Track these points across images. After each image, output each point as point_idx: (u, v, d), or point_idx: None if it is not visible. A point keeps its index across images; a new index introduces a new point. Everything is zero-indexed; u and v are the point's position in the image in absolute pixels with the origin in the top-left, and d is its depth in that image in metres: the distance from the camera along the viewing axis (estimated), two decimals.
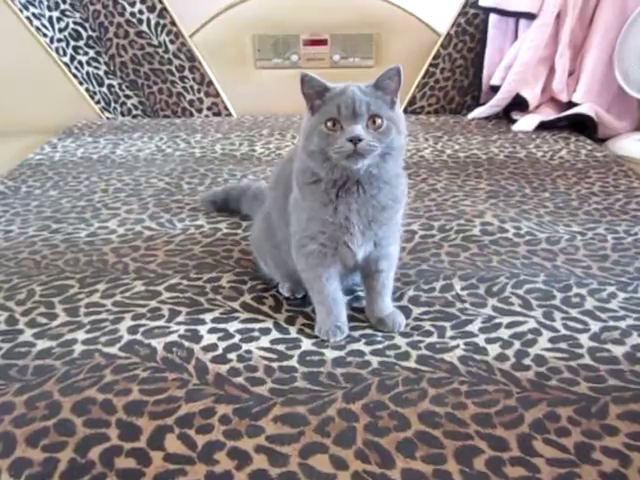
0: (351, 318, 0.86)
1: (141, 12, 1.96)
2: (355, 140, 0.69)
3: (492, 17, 1.95)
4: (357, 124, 0.70)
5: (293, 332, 0.84)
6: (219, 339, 0.81)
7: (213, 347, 0.80)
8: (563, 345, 0.80)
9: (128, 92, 2.06)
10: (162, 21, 1.98)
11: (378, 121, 0.71)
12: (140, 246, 1.10)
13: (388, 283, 0.85)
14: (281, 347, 0.80)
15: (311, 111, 0.74)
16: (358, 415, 0.67)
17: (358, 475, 0.60)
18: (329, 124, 0.71)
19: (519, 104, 1.92)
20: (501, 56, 1.96)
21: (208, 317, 0.87)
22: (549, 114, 1.90)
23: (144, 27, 1.98)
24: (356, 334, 0.83)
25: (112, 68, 2.03)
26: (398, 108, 0.76)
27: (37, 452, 0.62)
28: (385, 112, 0.72)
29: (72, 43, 2.00)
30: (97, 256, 1.06)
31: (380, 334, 0.83)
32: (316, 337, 0.82)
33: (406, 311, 0.88)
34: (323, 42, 2.06)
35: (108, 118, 2.07)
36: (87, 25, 1.99)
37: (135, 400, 0.69)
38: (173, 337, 0.82)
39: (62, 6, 1.96)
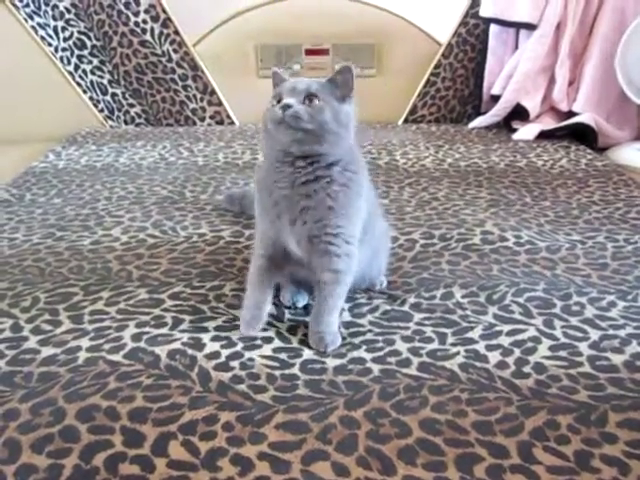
0: (350, 324, 0.87)
1: (145, 22, 1.98)
2: (285, 107, 0.74)
3: (493, 27, 1.97)
4: (292, 98, 0.76)
5: (295, 341, 0.84)
6: (222, 347, 0.82)
7: (216, 355, 0.80)
8: (563, 353, 0.81)
9: (131, 101, 2.08)
10: (166, 30, 2.00)
11: (314, 100, 0.76)
12: (144, 254, 1.11)
13: (331, 301, 0.82)
14: (283, 355, 0.81)
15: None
16: (360, 422, 0.68)
17: None
18: (274, 102, 0.78)
19: (519, 113, 1.94)
20: (502, 66, 1.98)
21: (211, 325, 0.87)
22: (549, 123, 1.92)
23: (148, 36, 2.00)
24: (356, 340, 0.84)
25: (116, 77, 2.05)
26: (348, 105, 0.79)
27: (42, 458, 0.63)
28: (326, 97, 0.76)
29: (76, 52, 2.02)
30: (101, 264, 1.07)
31: (381, 339, 0.84)
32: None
33: (407, 316, 0.89)
34: (325, 52, 2.08)
35: (112, 126, 2.08)
36: (91, 34, 2.01)
37: (139, 407, 0.70)
38: (176, 345, 0.82)
39: (67, 15, 1.98)
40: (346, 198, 0.79)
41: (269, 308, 0.87)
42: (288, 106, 0.74)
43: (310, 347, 0.82)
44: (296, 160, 0.78)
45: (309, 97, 0.75)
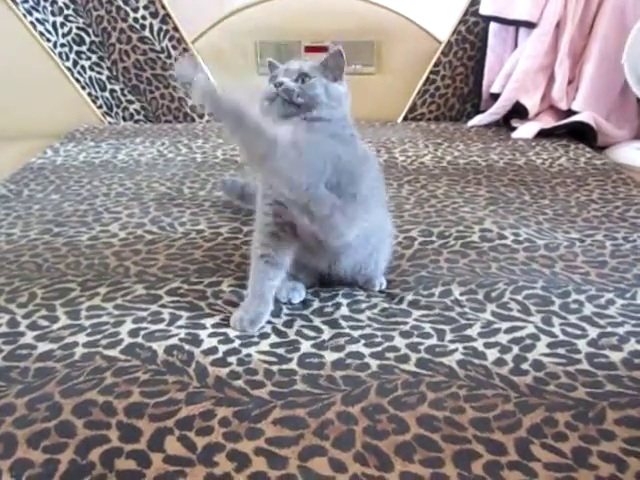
0: (348, 319, 0.87)
1: (144, 18, 1.98)
2: (277, 84, 0.80)
3: (492, 25, 1.97)
4: (286, 77, 0.81)
5: (292, 335, 0.84)
6: (219, 342, 0.82)
7: (213, 350, 0.80)
8: (561, 350, 0.80)
9: (130, 97, 2.07)
10: (165, 27, 2.00)
11: (306, 79, 0.81)
12: (141, 250, 1.10)
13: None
14: (280, 350, 0.80)
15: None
16: (357, 418, 0.68)
17: (357, 478, 0.60)
18: (270, 83, 0.82)
19: (519, 112, 1.93)
20: (501, 64, 1.98)
21: (208, 321, 0.87)
22: (549, 122, 1.91)
23: (147, 33, 1.99)
24: (355, 334, 0.84)
25: (114, 73, 2.05)
26: (339, 85, 0.84)
27: (38, 453, 0.63)
28: (318, 76, 0.82)
29: (75, 48, 2.01)
30: (98, 259, 1.07)
31: (379, 334, 0.84)
32: (314, 339, 0.83)
33: (405, 313, 0.89)
34: (325, 49, 2.08)
35: (110, 123, 2.08)
36: (90, 30, 2.00)
37: (135, 402, 0.70)
38: (174, 340, 0.82)
39: (66, 11, 1.98)
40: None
41: (271, 307, 0.87)
42: (281, 83, 0.80)
43: (308, 340, 0.82)
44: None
45: (301, 76, 0.81)
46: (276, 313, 0.89)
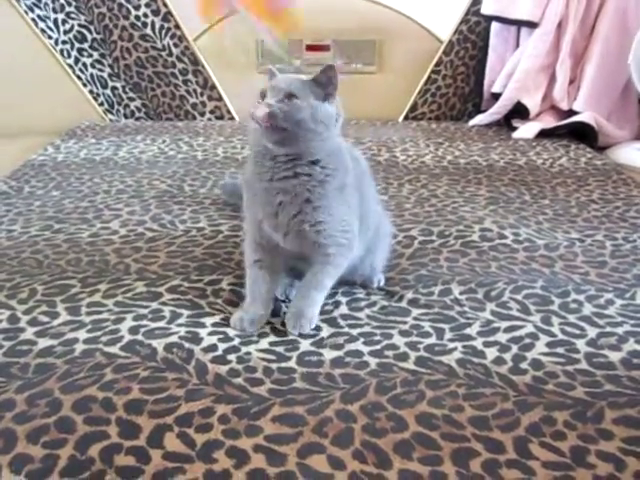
0: (347, 317, 0.88)
1: (146, 15, 1.98)
2: (266, 104, 0.76)
3: (494, 25, 1.97)
4: (272, 97, 0.76)
5: (291, 334, 0.84)
6: (219, 340, 0.82)
7: (213, 348, 0.80)
8: (560, 350, 0.81)
9: (131, 94, 2.07)
10: (166, 25, 2.00)
11: (293, 99, 0.76)
12: (142, 247, 1.11)
13: (320, 276, 0.84)
14: (280, 348, 0.81)
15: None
16: (356, 416, 0.68)
17: (355, 475, 0.60)
18: (259, 98, 0.78)
19: (520, 112, 1.93)
20: (502, 64, 1.98)
21: (208, 319, 0.87)
22: (549, 122, 1.91)
23: (148, 30, 1.99)
24: (354, 332, 0.84)
25: (116, 70, 2.05)
26: (330, 104, 0.79)
27: (37, 449, 0.63)
28: (306, 95, 0.77)
29: (77, 45, 2.01)
30: (99, 256, 1.07)
31: (378, 332, 0.84)
32: (314, 337, 0.83)
33: (405, 312, 0.89)
34: (326, 48, 2.08)
35: (111, 120, 2.08)
36: (92, 28, 2.00)
37: (135, 399, 0.70)
38: (174, 338, 0.82)
39: (67, 8, 1.98)
40: (324, 192, 0.80)
41: (272, 307, 0.88)
42: (269, 105, 0.75)
43: (308, 338, 0.82)
44: (277, 156, 0.79)
45: (288, 96, 0.76)
46: (275, 312, 0.89)
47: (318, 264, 0.84)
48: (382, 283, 0.97)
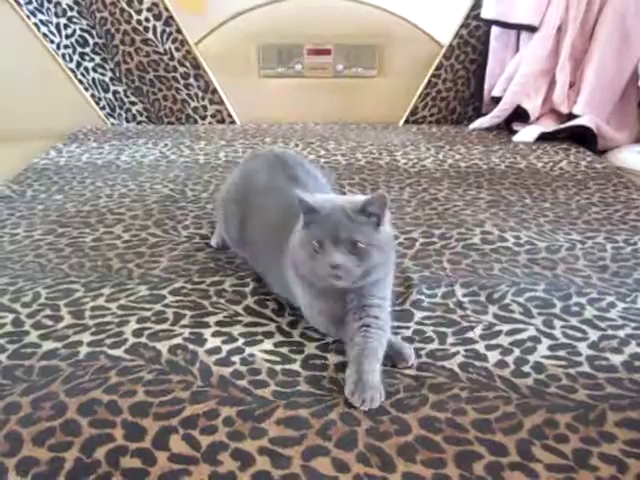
0: None
1: (147, 20, 1.99)
2: (333, 266, 0.73)
3: (494, 29, 1.98)
4: (337, 250, 0.74)
5: (296, 336, 0.85)
6: (223, 342, 0.82)
7: (217, 350, 0.81)
8: (562, 353, 0.81)
9: (133, 98, 2.08)
10: (168, 29, 2.00)
11: (358, 245, 0.74)
12: (144, 252, 1.11)
13: (365, 353, 0.76)
14: (284, 350, 0.81)
15: (304, 224, 0.79)
16: (360, 419, 0.68)
17: (359, 478, 0.61)
18: (315, 243, 0.75)
19: (520, 115, 1.94)
20: (502, 68, 1.98)
21: (212, 320, 0.88)
22: (549, 125, 1.92)
23: (150, 35, 2.00)
24: None
25: (118, 75, 2.05)
26: (385, 229, 0.78)
27: (43, 451, 0.63)
28: (366, 236, 0.75)
29: (78, 49, 2.02)
30: (102, 261, 1.07)
31: None
32: (319, 340, 0.83)
33: (408, 315, 0.90)
34: (327, 52, 2.09)
35: (113, 124, 2.08)
36: (94, 32, 2.01)
37: (140, 401, 0.70)
38: (177, 340, 0.83)
39: (69, 13, 1.99)
40: (385, 286, 0.83)
41: None
42: (336, 265, 0.73)
43: (312, 341, 0.83)
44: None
45: (354, 245, 0.74)
46: (281, 313, 0.90)
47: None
48: None
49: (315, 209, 0.76)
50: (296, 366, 0.78)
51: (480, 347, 0.82)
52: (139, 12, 1.97)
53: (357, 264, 0.74)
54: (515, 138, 1.90)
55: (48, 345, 0.82)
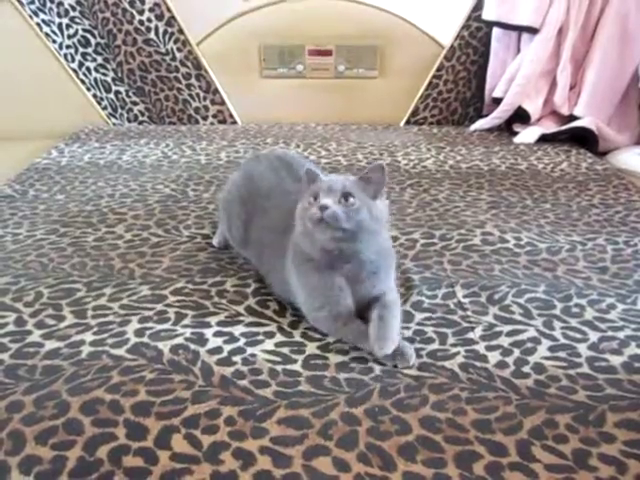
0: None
1: (149, 20, 1.99)
2: (323, 208, 0.76)
3: (495, 31, 1.98)
4: (328, 197, 0.78)
5: (297, 336, 0.85)
6: (224, 342, 0.83)
7: (218, 350, 0.81)
8: (562, 354, 0.81)
9: (135, 99, 2.09)
10: (170, 29, 2.01)
11: (350, 199, 0.78)
12: (146, 252, 1.11)
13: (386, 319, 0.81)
14: (285, 350, 0.81)
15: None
16: (360, 419, 0.69)
17: (360, 477, 0.61)
18: (310, 199, 0.79)
19: (521, 117, 1.94)
20: (503, 69, 1.98)
21: (213, 320, 0.88)
22: (550, 127, 1.92)
23: (152, 35, 2.01)
24: None
25: (120, 75, 2.06)
26: (381, 201, 0.81)
27: (46, 450, 0.64)
28: (360, 196, 0.79)
29: (81, 50, 2.02)
30: (104, 261, 1.08)
31: None
32: (320, 340, 0.84)
33: (409, 315, 0.90)
34: (328, 52, 2.09)
35: (115, 124, 2.09)
36: (96, 32, 2.01)
37: (142, 401, 0.71)
38: (179, 340, 0.83)
39: (72, 13, 1.99)
40: (386, 263, 0.86)
41: None
42: (326, 207, 0.76)
43: (313, 341, 0.83)
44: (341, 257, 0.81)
45: (345, 196, 0.77)
46: (282, 313, 0.90)
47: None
48: None
49: (319, 175, 0.82)
50: (297, 366, 0.78)
51: (480, 348, 0.82)
52: (141, 12, 1.98)
53: (346, 215, 0.77)
54: (516, 139, 1.90)
55: (51, 344, 0.82)
